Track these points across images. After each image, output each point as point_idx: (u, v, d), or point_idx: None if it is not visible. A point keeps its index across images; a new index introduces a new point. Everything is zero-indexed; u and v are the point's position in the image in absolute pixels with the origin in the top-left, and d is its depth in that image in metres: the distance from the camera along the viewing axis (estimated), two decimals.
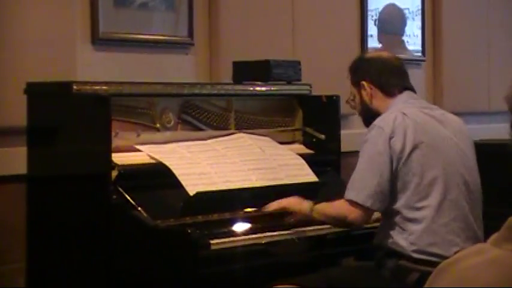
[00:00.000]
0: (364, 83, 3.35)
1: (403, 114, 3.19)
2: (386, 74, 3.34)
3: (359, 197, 3.14)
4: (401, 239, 3.15)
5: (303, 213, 3.33)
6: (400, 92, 3.33)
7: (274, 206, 3.40)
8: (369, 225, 3.38)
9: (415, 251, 3.13)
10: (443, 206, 3.15)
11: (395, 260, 3.16)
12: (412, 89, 3.39)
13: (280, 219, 3.42)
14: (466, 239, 3.16)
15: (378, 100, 3.33)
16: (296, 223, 3.40)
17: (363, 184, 3.15)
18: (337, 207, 3.23)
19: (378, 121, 3.22)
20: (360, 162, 3.20)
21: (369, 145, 3.19)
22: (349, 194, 3.17)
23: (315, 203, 3.31)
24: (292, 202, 3.38)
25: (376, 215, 3.31)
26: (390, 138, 3.14)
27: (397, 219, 3.16)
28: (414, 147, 3.14)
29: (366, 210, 3.16)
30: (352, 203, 3.16)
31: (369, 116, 3.34)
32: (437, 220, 3.14)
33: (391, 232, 3.17)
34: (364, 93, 3.35)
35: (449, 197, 3.17)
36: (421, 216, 3.14)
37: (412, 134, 3.16)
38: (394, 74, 3.36)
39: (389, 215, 3.19)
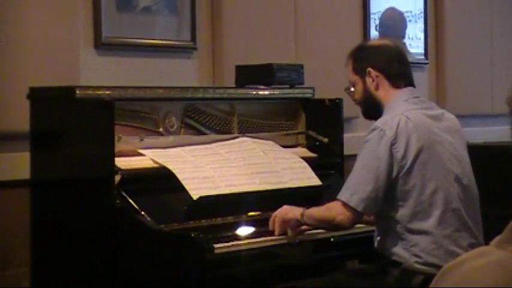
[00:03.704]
0: (370, 69, 3.26)
1: (406, 118, 3.13)
2: (395, 62, 3.27)
3: (352, 200, 3.10)
4: (403, 250, 3.12)
5: (296, 219, 3.27)
6: (405, 85, 3.26)
7: (275, 226, 3.30)
8: (371, 228, 3.37)
9: (418, 263, 3.09)
10: (445, 217, 3.11)
11: (399, 269, 3.12)
12: (413, 84, 3.32)
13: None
14: (468, 247, 3.10)
15: (382, 89, 3.25)
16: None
17: (357, 187, 3.10)
18: (327, 209, 3.18)
19: (380, 123, 3.15)
20: (358, 164, 3.15)
21: (368, 147, 3.13)
22: (343, 194, 3.13)
23: (306, 208, 3.25)
24: (284, 213, 3.30)
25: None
26: (392, 144, 3.09)
27: (398, 228, 3.12)
28: (416, 157, 3.09)
29: (356, 213, 3.11)
30: (344, 205, 3.12)
31: (370, 105, 3.27)
32: (441, 232, 3.10)
33: (393, 242, 3.14)
34: (369, 80, 3.26)
35: (451, 207, 3.12)
36: (424, 227, 3.09)
37: (415, 142, 3.10)
38: (402, 63, 3.30)
39: (389, 223, 3.15)
